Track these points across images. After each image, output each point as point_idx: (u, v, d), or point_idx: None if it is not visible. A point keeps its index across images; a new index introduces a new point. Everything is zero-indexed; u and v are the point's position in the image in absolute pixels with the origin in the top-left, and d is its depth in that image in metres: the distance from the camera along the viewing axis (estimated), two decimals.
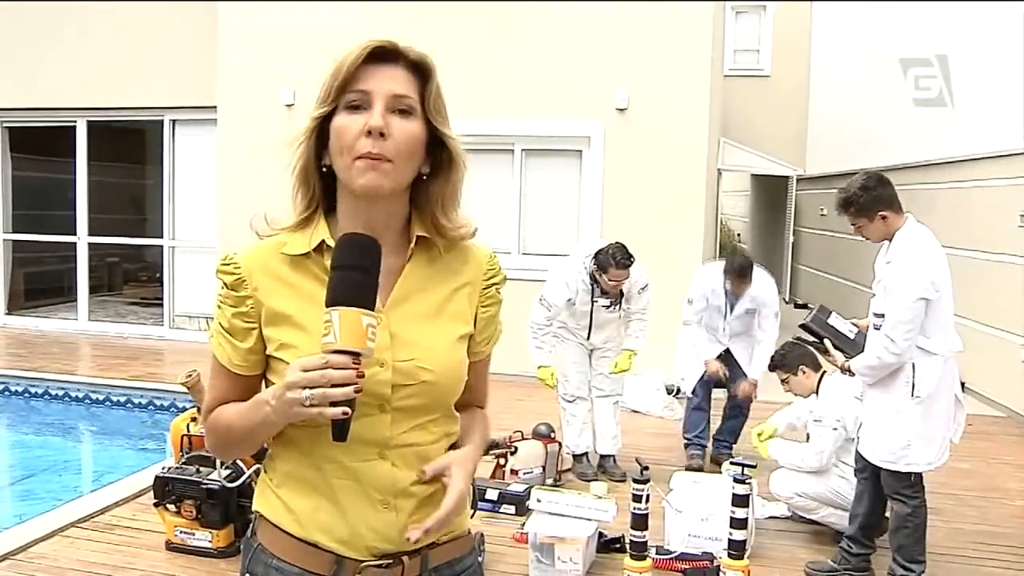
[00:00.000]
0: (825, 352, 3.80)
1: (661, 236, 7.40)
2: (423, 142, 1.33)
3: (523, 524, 4.05)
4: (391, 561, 1.34)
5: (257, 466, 3.95)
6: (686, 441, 5.45)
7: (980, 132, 7.89)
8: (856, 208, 3.60)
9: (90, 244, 10.14)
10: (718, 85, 8.98)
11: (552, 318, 4.99)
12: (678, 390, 6.31)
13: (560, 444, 5.11)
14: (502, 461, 4.89)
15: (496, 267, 1.47)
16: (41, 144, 10.63)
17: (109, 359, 8.59)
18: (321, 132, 1.32)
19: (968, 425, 3.84)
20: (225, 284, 1.36)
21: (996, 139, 7.41)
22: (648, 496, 3.52)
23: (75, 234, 10.05)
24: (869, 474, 3.70)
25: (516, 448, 4.88)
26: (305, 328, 1.30)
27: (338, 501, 1.32)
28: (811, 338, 3.87)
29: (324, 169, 1.34)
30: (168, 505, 3.93)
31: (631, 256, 4.80)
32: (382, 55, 1.30)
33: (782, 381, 4.62)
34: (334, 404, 1.18)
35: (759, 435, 4.61)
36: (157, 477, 3.98)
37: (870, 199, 3.55)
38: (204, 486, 3.87)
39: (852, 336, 3.80)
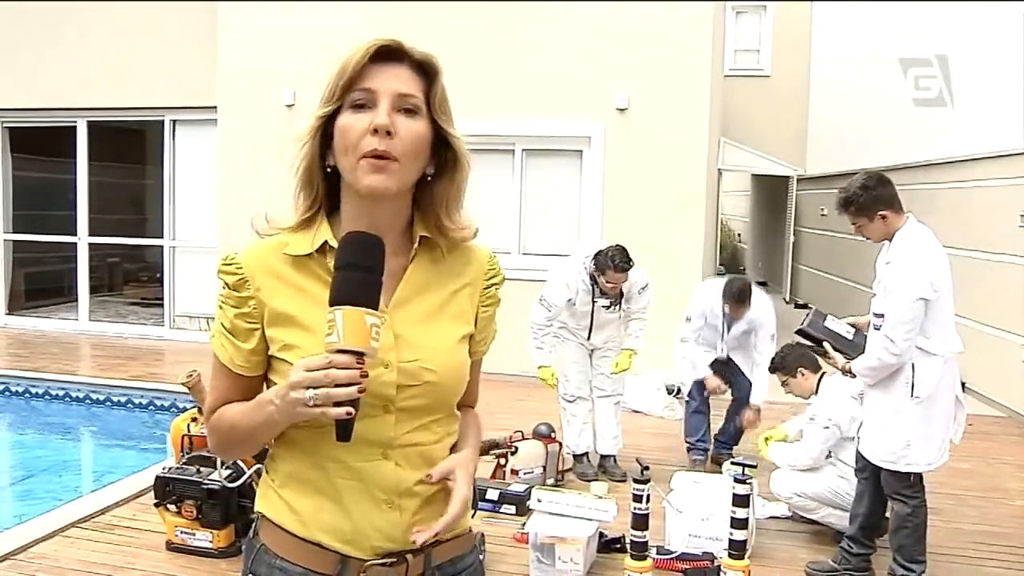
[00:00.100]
0: (825, 355, 3.80)
1: (661, 236, 7.40)
2: (428, 142, 1.32)
3: (524, 524, 4.05)
4: (395, 560, 1.34)
5: (258, 466, 3.95)
6: (688, 445, 5.45)
7: (980, 132, 7.89)
8: (856, 208, 3.60)
9: (90, 244, 10.15)
10: (718, 85, 8.99)
11: (552, 318, 4.99)
12: (678, 390, 6.31)
13: (560, 444, 5.11)
14: (502, 461, 4.90)
15: (496, 267, 1.48)
16: (41, 144, 10.63)
17: (109, 359, 8.60)
18: (325, 132, 1.31)
19: (968, 425, 3.84)
20: (227, 284, 1.35)
21: (996, 139, 7.41)
22: (649, 496, 3.51)
23: (75, 234, 10.06)
24: (869, 474, 3.71)
25: (516, 448, 4.88)
26: (309, 329, 1.29)
27: (342, 501, 1.32)
28: (810, 342, 3.86)
29: (328, 169, 1.33)
30: (169, 505, 3.94)
31: (630, 261, 4.80)
32: (387, 54, 1.30)
33: (782, 383, 4.65)
34: (338, 404, 1.17)
35: (766, 439, 4.63)
36: (158, 477, 3.98)
37: (870, 199, 3.55)
38: (205, 486, 3.87)
39: (850, 338, 3.80)
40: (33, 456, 6.59)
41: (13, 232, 10.36)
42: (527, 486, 4.55)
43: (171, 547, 3.95)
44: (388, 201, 1.32)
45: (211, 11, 8.66)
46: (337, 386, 1.16)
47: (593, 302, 5.00)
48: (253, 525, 1.43)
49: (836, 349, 3.78)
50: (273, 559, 1.36)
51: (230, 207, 8.54)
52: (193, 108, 9.19)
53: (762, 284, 16.65)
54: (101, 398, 7.41)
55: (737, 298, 5.13)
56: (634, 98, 7.69)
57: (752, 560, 3.62)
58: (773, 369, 4.72)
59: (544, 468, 4.94)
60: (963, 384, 3.77)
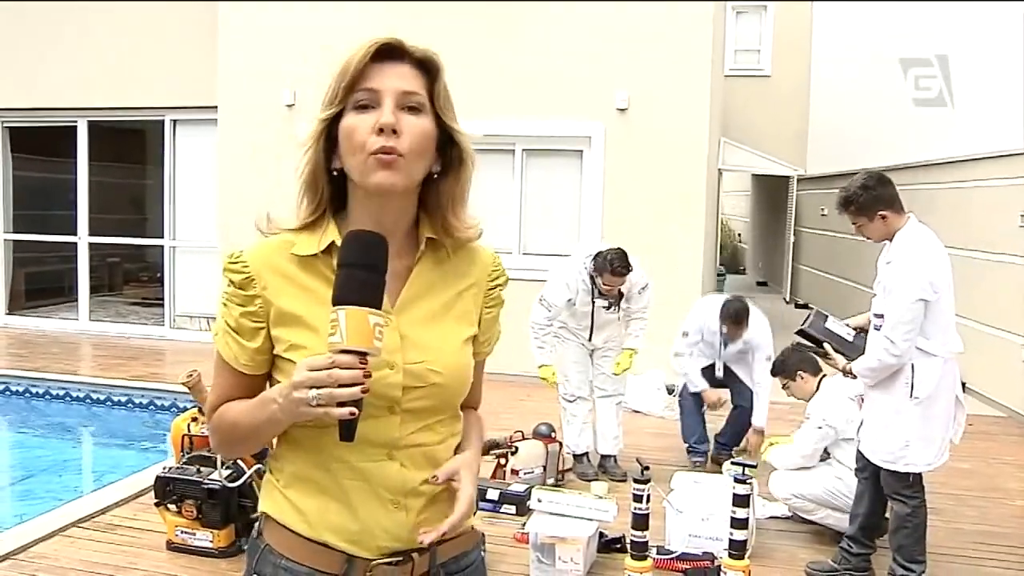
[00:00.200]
0: (826, 356, 3.80)
1: (661, 236, 7.40)
2: (434, 139, 1.32)
3: (524, 524, 4.05)
4: (401, 559, 1.34)
5: (258, 466, 3.96)
6: (687, 447, 5.45)
7: (980, 132, 7.89)
8: (856, 207, 3.60)
9: (91, 244, 10.15)
10: (719, 85, 8.99)
11: (552, 318, 4.99)
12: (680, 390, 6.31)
13: (561, 444, 5.11)
14: (503, 461, 4.90)
15: (500, 269, 1.48)
16: (42, 144, 10.63)
17: (110, 359, 8.60)
18: (328, 135, 1.31)
19: (968, 425, 3.84)
20: (232, 283, 1.34)
21: (996, 139, 7.41)
22: (649, 496, 3.51)
23: (76, 234, 10.06)
24: (870, 474, 3.71)
25: (517, 448, 4.88)
26: (315, 329, 1.29)
27: (349, 502, 1.32)
28: (810, 344, 3.87)
29: (335, 173, 1.33)
30: (169, 505, 3.94)
31: (629, 265, 4.80)
32: (388, 53, 1.30)
33: (783, 386, 4.67)
34: (341, 404, 1.17)
35: (771, 444, 4.65)
36: (158, 477, 3.98)
37: (870, 199, 3.55)
38: (205, 486, 3.87)
39: (851, 339, 3.80)
40: (33, 456, 6.60)
41: (13, 232, 10.36)
42: (527, 486, 4.55)
43: (171, 547, 3.95)
44: (394, 200, 1.32)
45: (211, 11, 8.67)
46: (341, 386, 1.16)
47: (593, 302, 5.01)
48: (256, 525, 1.43)
49: (836, 350, 3.78)
50: (278, 559, 1.36)
51: (230, 207, 8.55)
52: (193, 108, 9.19)
53: (762, 284, 16.73)
54: (101, 398, 7.41)
55: (734, 319, 5.16)
56: (634, 98, 7.70)
57: (752, 560, 3.62)
58: (774, 373, 4.76)
59: (544, 468, 4.94)
60: (963, 384, 3.77)
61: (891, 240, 3.57)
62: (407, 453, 1.33)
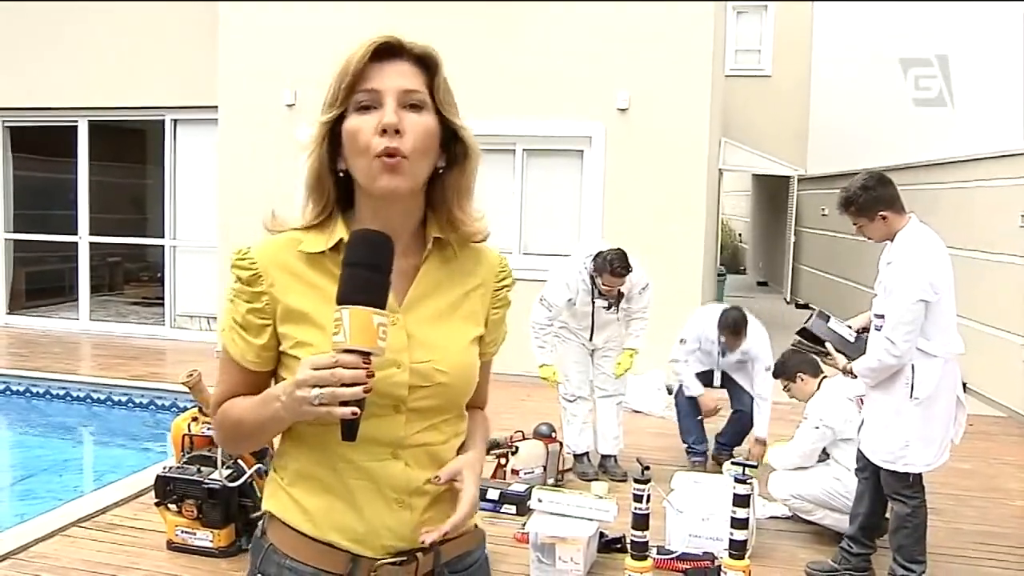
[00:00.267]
0: (827, 355, 3.80)
1: (662, 236, 7.40)
2: (437, 136, 1.32)
3: (524, 524, 4.05)
4: (405, 558, 1.34)
5: (258, 466, 3.96)
6: (686, 447, 5.46)
7: (980, 132, 7.89)
8: (856, 208, 3.60)
9: (91, 244, 10.15)
10: (719, 85, 8.99)
11: (553, 318, 5.00)
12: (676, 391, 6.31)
13: (561, 444, 5.11)
14: (503, 461, 4.90)
15: (507, 270, 1.48)
16: (42, 144, 10.64)
17: (110, 359, 8.60)
18: (332, 136, 1.31)
19: (969, 425, 3.84)
20: (240, 279, 1.34)
21: (996, 139, 7.41)
22: (649, 496, 3.52)
23: (76, 234, 10.06)
24: (870, 474, 3.71)
25: (517, 448, 4.88)
26: (321, 326, 1.27)
27: (354, 501, 1.32)
28: (811, 343, 3.87)
29: (340, 174, 1.33)
30: (169, 505, 3.94)
31: (628, 266, 4.80)
32: (387, 51, 1.29)
33: (784, 388, 4.70)
34: (344, 403, 1.17)
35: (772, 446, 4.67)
36: (158, 477, 3.98)
37: (870, 199, 3.55)
38: (205, 486, 3.87)
39: (852, 340, 3.80)
40: (34, 455, 6.60)
41: (14, 231, 10.37)
42: (528, 486, 4.55)
43: (172, 546, 3.95)
44: (400, 202, 1.32)
45: (211, 11, 8.66)
46: (344, 385, 1.16)
47: (593, 302, 5.01)
48: (260, 524, 1.43)
49: (837, 350, 3.78)
50: (283, 559, 1.36)
51: (231, 207, 8.54)
52: (194, 108, 9.19)
53: (763, 284, 16.73)
54: (102, 398, 7.42)
55: (732, 329, 5.16)
56: (635, 98, 7.69)
57: (752, 560, 3.63)
58: (775, 375, 4.79)
59: (545, 468, 4.94)
60: (964, 384, 3.77)
61: (892, 240, 3.57)
62: (412, 452, 1.33)
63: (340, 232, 1.32)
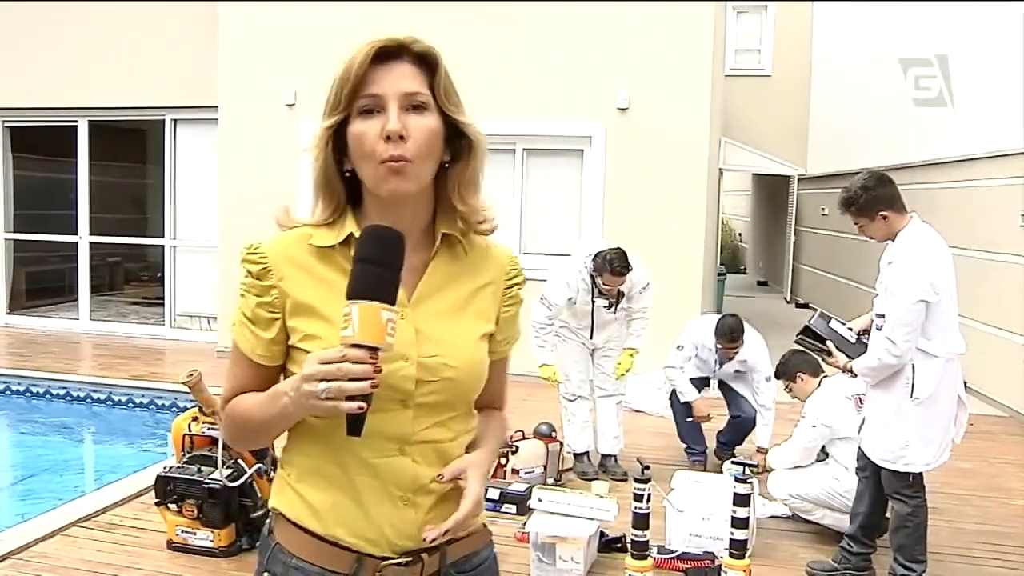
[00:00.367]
0: (828, 354, 3.80)
1: (662, 235, 7.40)
2: (441, 134, 1.32)
3: (524, 523, 4.05)
4: (411, 559, 1.34)
5: (258, 465, 3.96)
6: (686, 448, 5.46)
7: (980, 132, 7.89)
8: (857, 208, 3.60)
9: (91, 244, 10.15)
10: (719, 85, 8.99)
11: (553, 317, 5.00)
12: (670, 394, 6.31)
13: (561, 443, 5.11)
14: (503, 460, 4.90)
15: (517, 268, 1.48)
16: (43, 144, 10.64)
17: (110, 359, 8.60)
18: (337, 137, 1.32)
19: (970, 425, 3.84)
20: (250, 273, 1.34)
21: (996, 139, 7.41)
22: (649, 495, 3.51)
23: (76, 234, 10.06)
24: (870, 473, 3.71)
25: (517, 447, 4.88)
26: (330, 320, 1.28)
27: (359, 497, 1.32)
28: (813, 341, 3.86)
29: (347, 174, 1.33)
30: (169, 504, 3.94)
31: (628, 265, 4.80)
32: (387, 53, 1.30)
33: (785, 388, 4.72)
34: (350, 398, 1.17)
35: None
36: (158, 476, 3.98)
37: (870, 199, 3.55)
38: (205, 485, 3.87)
39: (853, 341, 3.80)
40: (34, 455, 6.60)
41: (14, 231, 10.37)
42: (528, 485, 4.55)
43: (172, 546, 3.95)
44: (409, 203, 1.33)
45: (211, 11, 8.66)
46: (351, 380, 1.16)
47: (593, 302, 5.01)
48: (268, 522, 1.43)
49: (839, 348, 3.78)
50: (289, 558, 1.36)
51: (231, 207, 8.55)
52: (194, 107, 9.19)
53: (763, 284, 16.73)
54: (102, 397, 7.42)
55: (729, 336, 5.15)
56: (635, 98, 7.69)
57: (753, 559, 3.63)
58: (777, 375, 4.82)
59: (545, 467, 4.94)
60: (964, 384, 3.77)
61: (893, 240, 3.57)
62: (419, 449, 1.33)
63: (350, 227, 1.33)
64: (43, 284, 11.00)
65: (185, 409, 4.39)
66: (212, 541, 3.90)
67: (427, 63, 1.32)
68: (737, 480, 3.51)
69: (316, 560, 1.34)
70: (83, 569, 3.76)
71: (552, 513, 3.81)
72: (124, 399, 7.37)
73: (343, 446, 1.29)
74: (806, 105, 14.79)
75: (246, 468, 3.95)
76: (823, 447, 4.35)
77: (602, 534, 4.02)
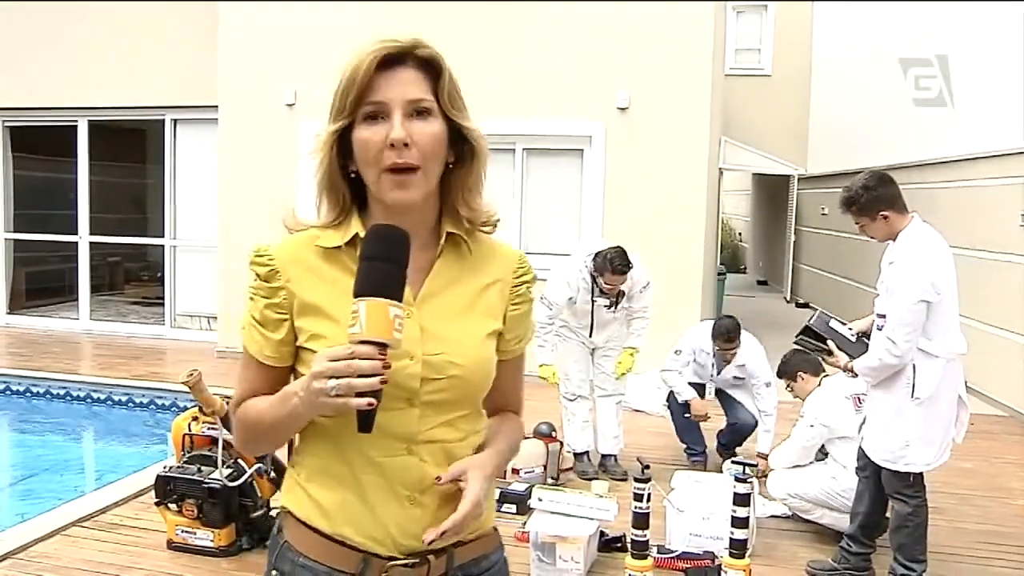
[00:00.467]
0: (829, 353, 3.80)
1: (662, 235, 7.40)
2: (445, 139, 1.33)
3: (524, 523, 4.05)
4: (417, 560, 1.34)
5: (258, 465, 3.96)
6: (685, 448, 5.46)
7: (980, 132, 7.89)
8: (857, 207, 3.60)
9: (91, 243, 10.15)
10: (719, 84, 8.99)
11: (554, 317, 5.00)
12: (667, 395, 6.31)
13: (561, 443, 5.11)
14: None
15: (526, 266, 1.48)
16: (42, 143, 10.63)
17: (111, 358, 8.60)
18: (341, 141, 1.32)
19: (970, 424, 3.83)
20: (258, 275, 1.36)
21: (996, 139, 7.41)
22: (649, 495, 3.51)
23: (76, 233, 10.06)
24: (871, 472, 3.70)
25: None
26: (336, 319, 1.29)
27: (366, 495, 1.33)
28: (813, 341, 3.87)
29: (352, 175, 1.34)
30: (169, 504, 3.94)
31: (629, 263, 4.80)
32: (391, 59, 1.30)
33: (787, 387, 4.75)
34: (360, 395, 1.17)
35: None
36: (158, 476, 3.98)
37: (871, 199, 3.55)
38: (205, 485, 3.87)
39: (853, 340, 3.80)
40: (34, 455, 6.60)
41: (14, 231, 10.37)
42: (528, 485, 4.55)
43: (172, 546, 3.95)
44: (414, 208, 1.34)
45: (211, 11, 8.66)
46: (360, 376, 1.17)
47: (593, 301, 5.01)
48: (277, 521, 1.44)
49: (839, 348, 3.78)
50: (296, 556, 1.37)
51: (231, 206, 8.55)
52: (194, 107, 9.19)
53: (763, 283, 16.73)
54: (102, 397, 7.42)
55: (726, 337, 5.15)
56: (635, 97, 7.69)
57: (753, 559, 3.63)
58: (778, 375, 4.83)
59: (545, 467, 4.94)
60: (965, 384, 3.77)
61: (894, 240, 3.57)
62: (427, 448, 1.33)
63: (355, 227, 1.34)
64: (43, 284, 11.00)
65: (185, 409, 4.39)
66: (212, 541, 3.90)
67: (431, 68, 1.32)
68: (737, 480, 3.51)
69: (323, 559, 1.34)
70: (83, 569, 3.76)
71: (552, 513, 3.81)
72: (124, 399, 7.37)
73: (351, 445, 1.31)
74: (806, 105, 14.79)
75: (246, 468, 3.95)
76: (822, 446, 4.36)
77: (602, 534, 4.02)
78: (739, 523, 3.45)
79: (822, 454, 4.40)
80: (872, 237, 3.68)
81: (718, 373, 5.35)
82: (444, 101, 1.32)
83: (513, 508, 4.46)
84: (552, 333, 5.05)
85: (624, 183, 7.73)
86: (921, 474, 3.56)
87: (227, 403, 3.88)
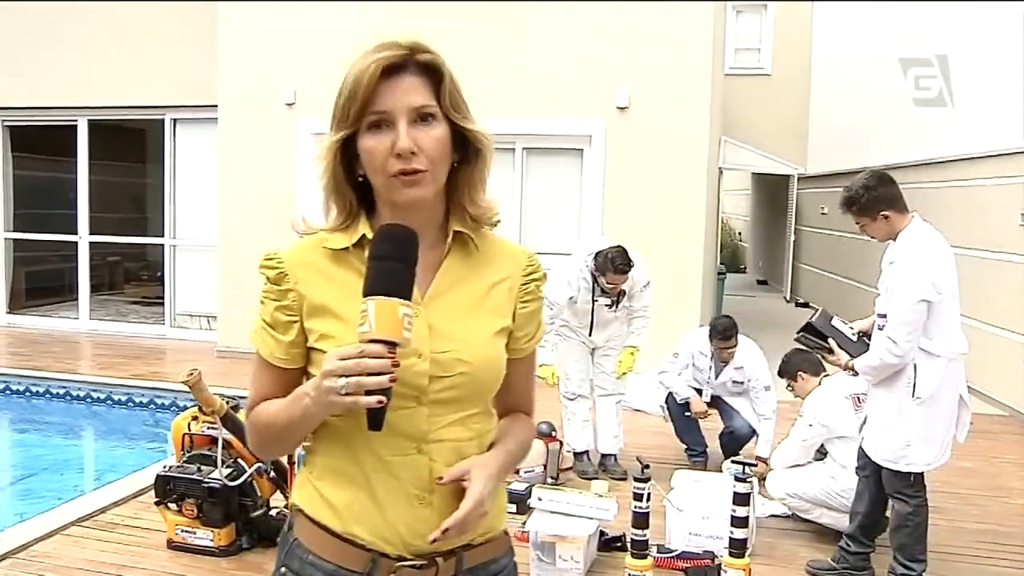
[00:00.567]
0: (830, 352, 3.80)
1: (661, 234, 7.40)
2: (449, 142, 1.34)
3: (524, 523, 4.04)
4: (425, 562, 1.34)
5: (258, 465, 3.96)
6: (686, 448, 5.45)
7: (980, 132, 7.89)
8: (858, 207, 3.60)
9: (91, 243, 10.15)
10: (719, 84, 8.99)
11: (554, 316, 5.00)
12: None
13: (561, 442, 5.11)
14: None
15: (535, 264, 1.48)
16: (42, 143, 10.63)
17: (110, 358, 8.60)
18: (345, 147, 1.33)
19: (971, 424, 3.84)
20: (268, 279, 1.37)
21: (996, 139, 7.41)
22: (649, 494, 3.51)
23: (76, 233, 10.06)
24: (871, 472, 3.70)
25: None
26: (344, 319, 1.31)
27: (376, 495, 1.33)
28: (814, 338, 3.86)
29: (360, 179, 1.35)
30: (169, 504, 3.94)
31: (630, 262, 4.80)
32: (393, 66, 1.30)
33: (787, 387, 4.75)
34: (370, 393, 1.18)
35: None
36: (158, 476, 3.98)
37: (871, 199, 3.55)
38: (205, 485, 3.87)
39: (854, 339, 3.80)
40: (34, 455, 6.60)
41: (14, 231, 10.37)
42: (528, 484, 4.55)
43: (172, 545, 3.95)
44: (422, 207, 1.35)
45: (211, 10, 8.66)
46: (369, 375, 1.18)
47: (593, 300, 5.01)
48: (288, 519, 1.45)
49: (840, 346, 3.78)
50: (306, 554, 1.37)
51: (231, 206, 8.55)
52: (194, 107, 9.19)
53: (762, 283, 16.73)
54: (102, 397, 7.41)
55: (723, 334, 5.15)
56: (635, 97, 7.69)
57: (752, 558, 3.63)
58: (779, 374, 4.84)
59: (545, 466, 4.94)
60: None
61: (895, 240, 3.56)
62: (437, 448, 1.34)
63: (363, 228, 1.36)
64: (43, 283, 11.00)
65: (185, 408, 4.39)
66: (212, 540, 3.89)
67: (433, 73, 1.33)
68: (737, 479, 3.51)
69: (332, 558, 1.35)
70: (83, 568, 3.76)
71: (552, 512, 3.81)
72: (124, 398, 7.37)
73: (362, 444, 1.32)
74: (806, 104, 14.80)
75: (246, 467, 3.95)
76: (821, 446, 4.36)
77: (602, 533, 4.02)
78: (739, 522, 3.45)
79: (820, 453, 4.40)
80: (872, 237, 3.68)
81: (716, 377, 5.33)
82: (446, 105, 1.33)
83: (513, 508, 4.45)
84: (552, 333, 5.05)
85: (624, 182, 7.73)
86: (922, 474, 3.56)
87: (227, 403, 3.89)
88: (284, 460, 3.99)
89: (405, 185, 1.30)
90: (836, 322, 3.83)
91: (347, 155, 1.34)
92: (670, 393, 5.41)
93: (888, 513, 3.74)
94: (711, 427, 5.49)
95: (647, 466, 3.59)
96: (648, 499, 3.50)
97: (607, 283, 4.86)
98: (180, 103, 9.27)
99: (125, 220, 11.35)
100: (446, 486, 1.33)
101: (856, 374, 3.69)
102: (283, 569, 1.40)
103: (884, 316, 3.51)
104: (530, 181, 8.16)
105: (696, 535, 3.99)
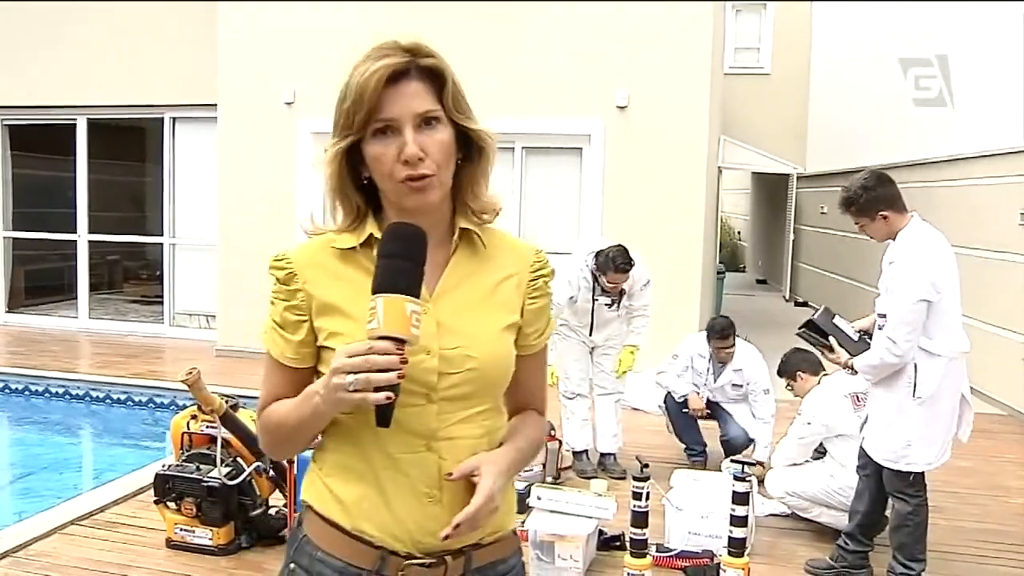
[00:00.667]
0: (829, 349, 3.80)
1: (661, 234, 7.40)
2: (454, 143, 1.35)
3: (523, 522, 4.03)
4: (434, 560, 1.35)
5: (257, 464, 3.96)
6: (685, 448, 5.45)
7: (979, 132, 7.89)
8: (856, 207, 3.60)
9: (90, 242, 10.15)
10: (718, 83, 8.99)
11: (555, 316, 4.99)
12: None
13: (560, 442, 5.11)
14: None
15: (543, 261, 1.49)
16: (42, 142, 10.63)
17: (109, 357, 8.60)
18: (350, 151, 1.34)
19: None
20: (277, 279, 1.39)
21: (995, 139, 7.41)
22: (648, 494, 3.52)
23: (75, 232, 10.06)
24: (871, 471, 3.70)
25: None
26: (353, 317, 1.32)
27: (385, 492, 1.33)
28: (815, 335, 3.86)
29: (365, 182, 1.37)
30: (168, 503, 3.94)
31: (631, 261, 4.81)
32: (396, 73, 1.31)
33: (787, 386, 4.76)
34: (378, 389, 1.19)
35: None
36: (157, 475, 3.98)
37: (870, 199, 3.55)
38: (204, 484, 3.87)
39: (856, 339, 3.80)
40: (33, 454, 6.60)
41: (13, 230, 10.37)
42: (527, 484, 4.54)
43: (171, 544, 3.95)
44: (430, 208, 1.36)
45: (211, 10, 8.65)
46: (377, 371, 1.18)
47: (594, 300, 5.01)
48: (298, 515, 1.46)
49: (840, 344, 3.78)
50: (315, 551, 1.38)
51: (230, 205, 8.55)
52: (193, 106, 9.18)
53: (762, 282, 16.74)
54: (101, 396, 7.41)
55: (720, 334, 5.15)
56: (634, 96, 7.69)
57: (751, 558, 3.63)
58: (779, 373, 4.84)
59: (544, 466, 4.94)
60: None
61: (894, 239, 3.56)
62: (447, 445, 1.34)
63: (370, 228, 1.37)
64: (42, 282, 11.00)
65: (184, 407, 4.38)
66: (211, 539, 3.89)
67: (435, 76, 1.34)
68: (736, 478, 3.51)
69: (341, 554, 1.35)
70: (82, 567, 3.76)
71: (551, 511, 3.81)
72: (123, 397, 7.36)
73: (371, 442, 1.32)
74: (805, 104, 14.80)
75: (245, 466, 3.95)
76: (820, 444, 4.36)
77: (601, 532, 4.02)
78: (738, 521, 3.45)
79: (819, 452, 4.40)
80: (872, 237, 3.68)
81: (715, 380, 5.33)
82: (449, 107, 1.34)
83: None
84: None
85: (623, 182, 7.73)
86: (922, 473, 3.56)
87: (226, 402, 3.89)
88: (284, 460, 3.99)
89: (413, 191, 1.31)
90: (838, 320, 3.83)
91: (351, 159, 1.35)
92: (668, 393, 5.41)
93: (888, 512, 3.74)
94: (711, 427, 5.49)
95: (646, 465, 3.59)
96: (647, 498, 3.50)
97: (608, 282, 4.86)
98: (180, 102, 9.26)
99: (124, 219, 11.34)
100: (456, 484, 1.34)
101: (855, 373, 3.69)
102: (292, 565, 1.41)
103: (884, 316, 3.51)
104: (529, 180, 8.16)
105: (695, 534, 3.99)
